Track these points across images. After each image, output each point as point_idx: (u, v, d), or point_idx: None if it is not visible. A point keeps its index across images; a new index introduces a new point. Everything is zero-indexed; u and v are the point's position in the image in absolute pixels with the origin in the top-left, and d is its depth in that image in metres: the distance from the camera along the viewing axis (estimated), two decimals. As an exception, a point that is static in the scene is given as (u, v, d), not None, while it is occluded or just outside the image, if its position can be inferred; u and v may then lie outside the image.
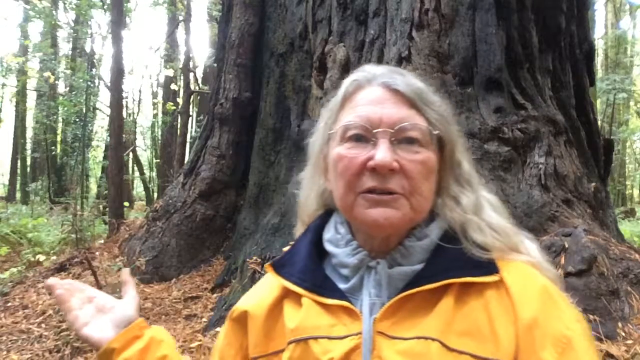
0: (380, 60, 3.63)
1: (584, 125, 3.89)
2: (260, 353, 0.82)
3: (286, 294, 0.83)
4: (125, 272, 0.97)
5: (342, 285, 0.78)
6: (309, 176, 0.90)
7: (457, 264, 0.74)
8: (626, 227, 7.98)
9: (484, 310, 0.70)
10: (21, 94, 16.55)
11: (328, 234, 0.84)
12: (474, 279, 0.71)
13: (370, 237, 0.79)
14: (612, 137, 6.25)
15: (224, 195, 5.10)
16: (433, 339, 0.69)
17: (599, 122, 7.56)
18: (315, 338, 0.76)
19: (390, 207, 0.73)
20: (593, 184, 3.37)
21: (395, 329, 0.72)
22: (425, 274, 0.74)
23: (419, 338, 0.69)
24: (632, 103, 17.04)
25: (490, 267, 0.73)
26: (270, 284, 0.86)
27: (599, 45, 16.46)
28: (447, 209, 0.78)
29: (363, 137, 0.76)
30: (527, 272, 0.74)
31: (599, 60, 16.68)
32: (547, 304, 0.70)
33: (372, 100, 0.77)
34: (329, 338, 0.75)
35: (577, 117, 3.85)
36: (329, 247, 0.83)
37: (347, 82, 0.83)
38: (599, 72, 15.87)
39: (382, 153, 0.72)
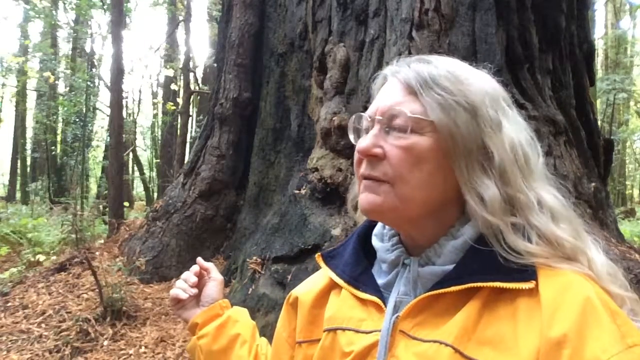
0: (380, 61, 3.63)
1: (584, 125, 3.89)
2: (304, 338, 0.85)
3: (335, 284, 0.85)
4: (201, 260, 1.09)
5: (380, 281, 0.78)
6: None
7: (488, 267, 0.68)
8: (626, 227, 7.98)
9: (511, 319, 0.64)
10: (21, 94, 16.53)
11: (377, 228, 0.85)
12: (504, 285, 0.65)
13: (401, 233, 0.79)
14: (612, 137, 6.25)
15: (224, 195, 5.10)
16: (446, 344, 0.65)
17: (599, 122, 7.56)
18: (344, 329, 0.77)
19: (372, 192, 0.72)
20: (593, 184, 3.37)
21: (417, 330, 0.70)
22: (453, 275, 0.70)
23: (434, 342, 0.67)
24: (632, 103, 17.04)
25: (526, 273, 0.66)
26: (323, 274, 0.89)
27: (599, 45, 16.46)
28: (468, 206, 0.71)
29: (368, 128, 0.77)
30: (571, 282, 0.65)
31: (599, 60, 16.67)
32: (586, 320, 0.60)
33: (385, 92, 0.78)
34: (356, 331, 0.75)
35: (577, 117, 3.84)
36: (374, 241, 0.83)
37: (377, 78, 0.83)
38: (599, 72, 15.86)
39: (363, 140, 0.74)
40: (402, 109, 0.72)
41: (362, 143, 0.73)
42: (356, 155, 0.76)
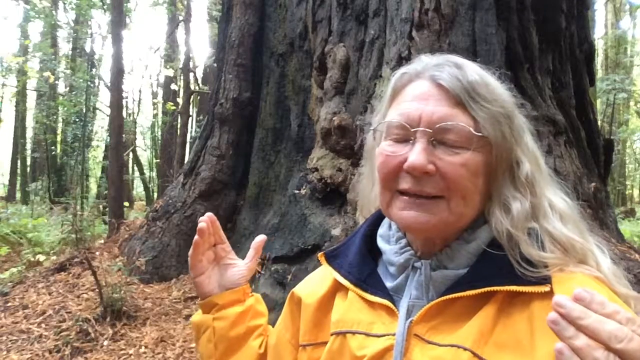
0: (380, 61, 3.63)
1: (584, 125, 3.89)
2: (309, 341, 0.83)
3: (339, 285, 0.83)
4: (259, 241, 1.02)
5: (388, 283, 0.77)
6: (368, 171, 0.86)
7: (503, 271, 0.68)
8: (626, 227, 7.98)
9: (527, 322, 0.64)
10: (21, 94, 16.53)
11: (382, 229, 0.83)
12: (520, 288, 0.65)
13: (414, 236, 0.77)
14: (612, 137, 6.25)
15: (224, 195, 5.09)
16: (465, 349, 0.65)
17: (599, 122, 7.55)
18: (353, 333, 0.75)
19: (426, 211, 0.69)
20: (593, 184, 3.37)
21: (432, 334, 0.69)
22: (468, 279, 0.69)
23: (452, 346, 0.66)
24: (632, 103, 17.03)
25: (541, 277, 0.66)
26: (325, 274, 0.86)
27: (599, 45, 16.45)
28: (494, 218, 0.71)
29: (404, 135, 0.72)
30: (584, 285, 0.63)
31: (599, 60, 16.67)
32: None
33: (417, 96, 0.73)
34: (367, 335, 0.74)
35: (577, 117, 3.85)
36: (380, 242, 0.82)
37: (397, 75, 0.78)
38: (599, 72, 15.86)
39: (415, 155, 0.69)
40: (458, 123, 0.69)
41: (415, 159, 0.68)
42: (392, 166, 0.71)
